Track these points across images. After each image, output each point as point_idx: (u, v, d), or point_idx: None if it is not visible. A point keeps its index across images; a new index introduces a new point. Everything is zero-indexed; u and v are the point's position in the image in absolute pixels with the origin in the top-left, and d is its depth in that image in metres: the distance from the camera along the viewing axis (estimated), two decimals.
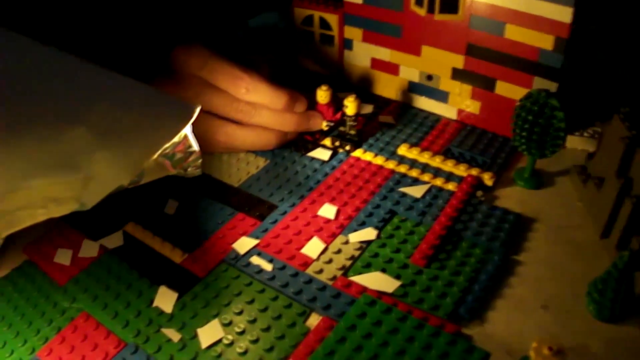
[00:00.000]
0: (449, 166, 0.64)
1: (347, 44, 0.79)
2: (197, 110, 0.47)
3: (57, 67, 0.45)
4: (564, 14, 0.59)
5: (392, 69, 0.76)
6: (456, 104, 0.72)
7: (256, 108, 0.65)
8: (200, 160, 0.49)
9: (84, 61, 0.46)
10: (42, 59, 0.45)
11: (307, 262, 0.54)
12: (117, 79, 0.46)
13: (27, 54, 0.45)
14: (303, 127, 0.68)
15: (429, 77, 0.73)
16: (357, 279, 0.52)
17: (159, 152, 0.45)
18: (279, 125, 0.67)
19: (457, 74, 0.70)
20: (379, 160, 0.66)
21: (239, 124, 0.66)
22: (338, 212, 0.59)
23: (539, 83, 0.64)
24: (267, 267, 0.54)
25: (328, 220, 0.58)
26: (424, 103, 0.75)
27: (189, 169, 0.49)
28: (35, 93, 0.42)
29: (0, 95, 0.41)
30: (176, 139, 0.46)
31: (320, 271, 0.53)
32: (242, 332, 0.48)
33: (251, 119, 0.65)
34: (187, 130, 0.46)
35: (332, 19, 0.78)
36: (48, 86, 0.43)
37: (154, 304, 0.51)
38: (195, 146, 0.48)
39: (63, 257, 0.56)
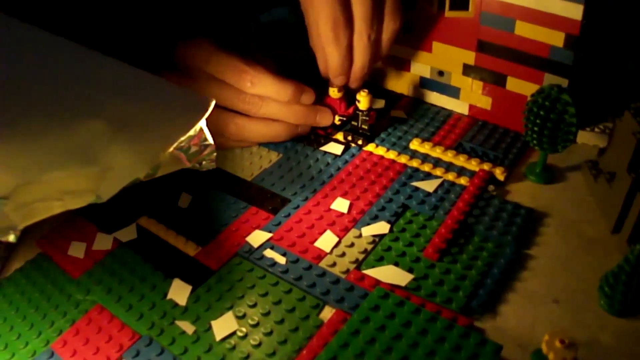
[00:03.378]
0: (460, 161, 0.64)
1: None
2: (213, 103, 0.47)
3: (73, 60, 0.45)
4: (575, 11, 0.59)
5: (403, 64, 0.76)
6: (467, 99, 0.72)
7: (263, 99, 0.65)
8: (215, 154, 0.49)
9: (100, 54, 0.47)
10: (58, 52, 0.45)
11: (320, 255, 0.54)
12: (133, 71, 0.47)
13: (43, 47, 0.45)
14: (311, 121, 0.68)
15: (440, 73, 0.73)
16: (370, 272, 0.52)
17: (175, 145, 0.45)
18: (287, 116, 0.67)
19: (468, 70, 0.70)
20: (391, 155, 0.66)
21: (249, 116, 0.66)
22: (351, 206, 0.59)
23: (550, 79, 0.64)
24: (281, 260, 0.54)
25: (341, 214, 0.59)
26: (435, 98, 0.76)
27: (204, 163, 0.49)
28: (53, 86, 0.43)
29: (18, 88, 0.41)
30: (192, 132, 0.46)
31: (334, 264, 0.53)
32: (256, 325, 0.48)
33: (259, 111, 0.65)
34: (202, 123, 0.47)
35: None
36: (65, 79, 0.43)
37: (168, 297, 0.51)
38: (210, 140, 0.48)
39: (77, 250, 0.57)
